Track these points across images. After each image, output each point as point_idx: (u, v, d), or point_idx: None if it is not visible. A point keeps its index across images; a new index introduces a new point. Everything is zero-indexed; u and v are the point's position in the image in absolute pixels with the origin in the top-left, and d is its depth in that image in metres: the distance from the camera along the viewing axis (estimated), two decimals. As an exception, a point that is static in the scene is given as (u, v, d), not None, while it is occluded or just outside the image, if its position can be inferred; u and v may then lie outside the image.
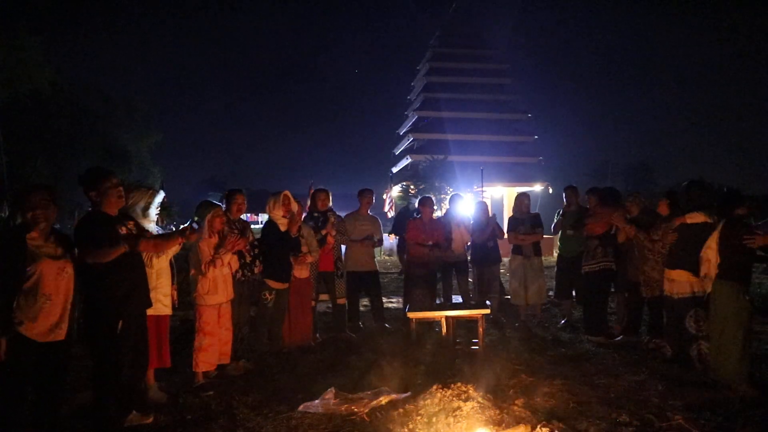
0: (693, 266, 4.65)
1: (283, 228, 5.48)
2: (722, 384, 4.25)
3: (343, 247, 6.74)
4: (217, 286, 4.68)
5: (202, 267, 4.60)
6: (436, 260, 6.73)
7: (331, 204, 6.51)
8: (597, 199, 6.34)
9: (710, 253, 4.42)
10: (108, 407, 3.55)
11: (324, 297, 6.50)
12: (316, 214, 6.38)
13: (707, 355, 4.60)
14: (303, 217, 6.17)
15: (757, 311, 4.66)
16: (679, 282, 4.85)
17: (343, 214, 6.88)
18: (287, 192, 5.57)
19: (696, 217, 4.71)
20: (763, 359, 5.03)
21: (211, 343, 4.65)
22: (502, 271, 7.74)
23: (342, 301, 6.50)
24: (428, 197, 7.20)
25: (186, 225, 4.60)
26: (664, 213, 5.33)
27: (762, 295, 7.56)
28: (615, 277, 6.20)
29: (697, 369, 4.68)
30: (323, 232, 6.13)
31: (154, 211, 4.28)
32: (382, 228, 7.05)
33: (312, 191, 7.52)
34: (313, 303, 6.20)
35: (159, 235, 4.13)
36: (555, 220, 7.21)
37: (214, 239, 4.74)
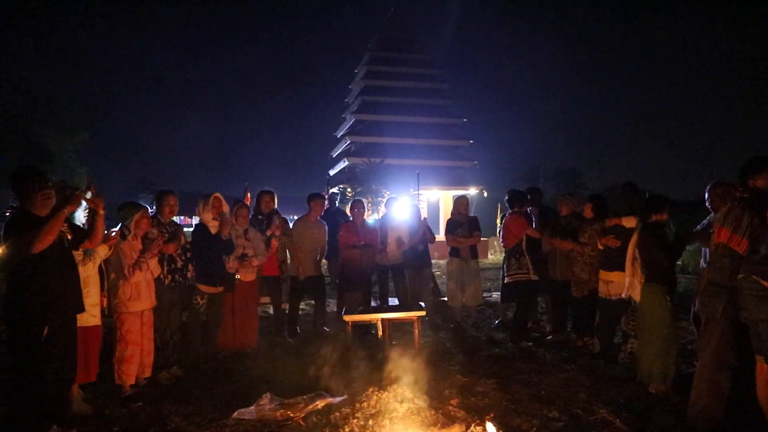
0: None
1: (213, 231, 5.36)
2: (640, 380, 4.46)
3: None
4: (140, 292, 4.48)
5: (125, 271, 4.40)
6: (371, 263, 6.74)
7: (276, 206, 6.41)
8: (508, 203, 6.48)
9: (630, 257, 4.66)
10: (26, 423, 3.33)
11: (264, 300, 6.42)
12: (260, 217, 6.27)
13: (635, 353, 4.82)
14: (249, 218, 6.06)
15: (677, 310, 4.87)
16: (617, 283, 4.99)
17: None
18: (218, 194, 5.45)
19: (631, 221, 4.95)
20: (679, 355, 5.33)
21: (134, 353, 4.44)
22: (438, 273, 7.83)
23: (285, 305, 6.44)
24: (359, 200, 7.19)
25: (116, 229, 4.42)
26: (589, 216, 5.58)
27: (679, 293, 8.00)
28: (534, 286, 6.23)
29: (624, 365, 4.90)
30: (268, 233, 6.07)
31: (82, 214, 4.09)
32: (327, 234, 6.94)
33: (247, 192, 7.35)
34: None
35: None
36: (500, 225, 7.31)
37: (138, 242, 4.55)
